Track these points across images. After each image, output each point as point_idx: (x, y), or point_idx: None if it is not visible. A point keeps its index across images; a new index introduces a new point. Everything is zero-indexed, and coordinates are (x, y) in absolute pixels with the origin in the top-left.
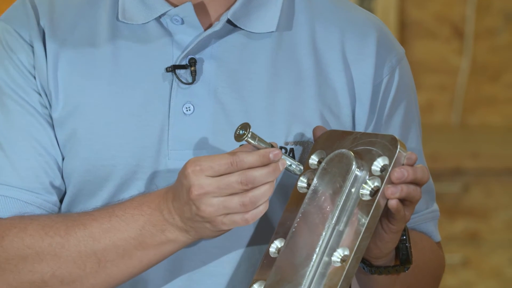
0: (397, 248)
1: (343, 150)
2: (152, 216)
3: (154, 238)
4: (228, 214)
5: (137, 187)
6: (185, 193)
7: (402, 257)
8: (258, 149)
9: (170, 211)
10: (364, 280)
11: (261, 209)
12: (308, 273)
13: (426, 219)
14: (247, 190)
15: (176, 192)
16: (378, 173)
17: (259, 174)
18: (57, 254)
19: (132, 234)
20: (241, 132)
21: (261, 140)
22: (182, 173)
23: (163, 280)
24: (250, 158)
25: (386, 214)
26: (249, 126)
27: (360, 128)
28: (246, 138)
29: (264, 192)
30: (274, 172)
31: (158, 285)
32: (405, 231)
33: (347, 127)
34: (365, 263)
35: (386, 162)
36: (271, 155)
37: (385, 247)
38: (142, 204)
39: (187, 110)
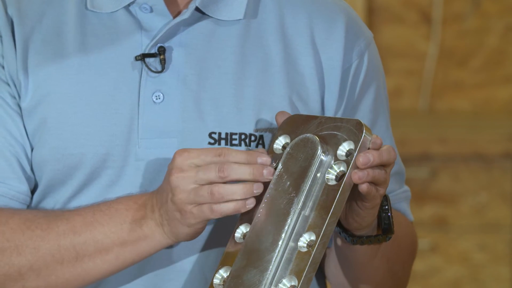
0: (379, 218)
1: (308, 134)
2: (136, 211)
3: (133, 233)
4: (197, 205)
5: (107, 176)
6: (167, 177)
7: (384, 226)
8: None
9: (153, 206)
10: (346, 253)
11: (230, 207)
12: (274, 258)
13: (400, 198)
14: (223, 180)
15: (161, 185)
16: (344, 158)
17: (237, 166)
18: (36, 247)
19: (112, 228)
20: None
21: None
22: (171, 160)
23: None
24: (238, 154)
25: (359, 193)
26: None
27: (329, 113)
28: None
29: (236, 190)
30: (254, 172)
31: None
32: (387, 200)
33: (316, 112)
34: (347, 233)
35: (352, 146)
36: (259, 159)
37: (364, 221)
38: (129, 200)
39: (156, 99)
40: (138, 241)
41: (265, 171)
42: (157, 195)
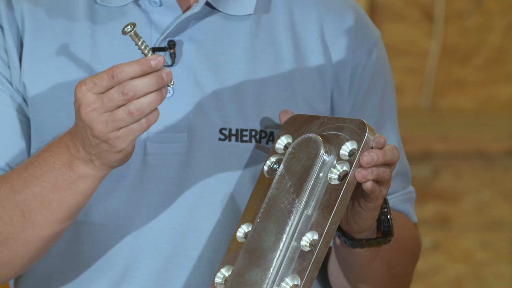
0: (379, 220)
1: (311, 134)
2: (61, 155)
3: (65, 177)
4: (120, 128)
5: (116, 170)
6: (78, 116)
7: (384, 228)
8: (142, 53)
9: (75, 144)
10: (345, 256)
11: (152, 117)
12: (276, 257)
13: (403, 199)
14: (131, 101)
15: (75, 124)
16: (347, 158)
17: (139, 82)
18: None
19: (45, 178)
20: (129, 28)
21: (144, 43)
22: (74, 98)
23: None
24: (130, 68)
25: (362, 193)
26: (135, 25)
27: (338, 110)
28: (130, 33)
29: (150, 101)
30: (157, 81)
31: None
32: (386, 203)
33: (326, 109)
34: (347, 237)
35: (355, 146)
36: (152, 63)
37: (365, 223)
38: (52, 145)
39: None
40: (74, 183)
41: (164, 75)
42: (75, 135)
